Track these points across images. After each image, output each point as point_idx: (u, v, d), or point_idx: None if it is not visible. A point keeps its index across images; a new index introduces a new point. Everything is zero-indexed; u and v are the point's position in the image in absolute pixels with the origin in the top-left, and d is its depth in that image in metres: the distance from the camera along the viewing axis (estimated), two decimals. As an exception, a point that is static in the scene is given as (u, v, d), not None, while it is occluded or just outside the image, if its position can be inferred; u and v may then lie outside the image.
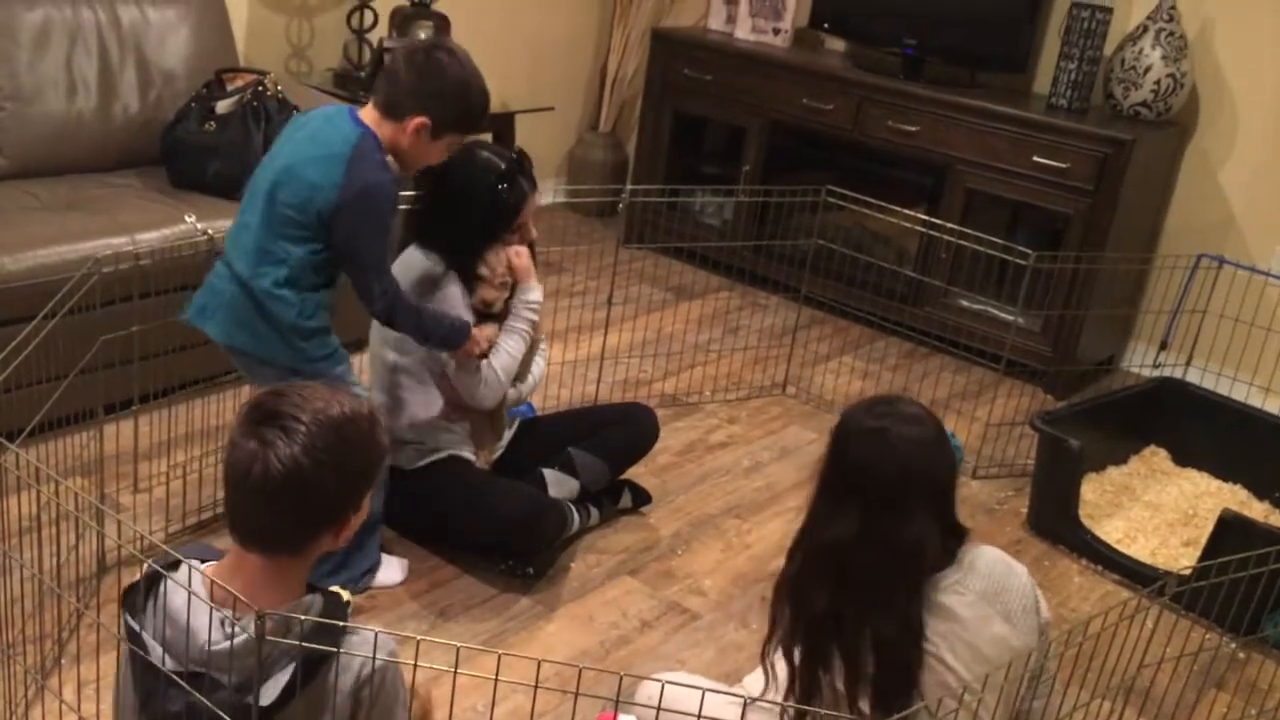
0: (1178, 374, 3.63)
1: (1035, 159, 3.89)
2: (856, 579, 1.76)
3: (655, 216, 4.76)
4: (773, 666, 1.88)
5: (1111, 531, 3.12)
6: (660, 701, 1.44)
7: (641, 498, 3.02)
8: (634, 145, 5.04)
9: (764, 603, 1.95)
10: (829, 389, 3.79)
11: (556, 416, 3.08)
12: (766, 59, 4.49)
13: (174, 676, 1.44)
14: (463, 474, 2.68)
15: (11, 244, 2.83)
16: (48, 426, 2.28)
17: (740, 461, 3.34)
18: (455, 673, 1.39)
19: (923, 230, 3.78)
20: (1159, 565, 2.98)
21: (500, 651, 1.42)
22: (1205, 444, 3.47)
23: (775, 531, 3.00)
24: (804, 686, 1.80)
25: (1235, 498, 3.35)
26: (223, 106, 3.34)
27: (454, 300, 2.61)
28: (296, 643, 1.40)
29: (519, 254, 2.67)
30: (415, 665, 1.40)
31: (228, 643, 1.44)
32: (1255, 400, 3.66)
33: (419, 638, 1.38)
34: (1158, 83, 3.86)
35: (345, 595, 1.52)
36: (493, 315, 2.66)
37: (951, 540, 1.82)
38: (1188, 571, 2.68)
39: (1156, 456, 3.53)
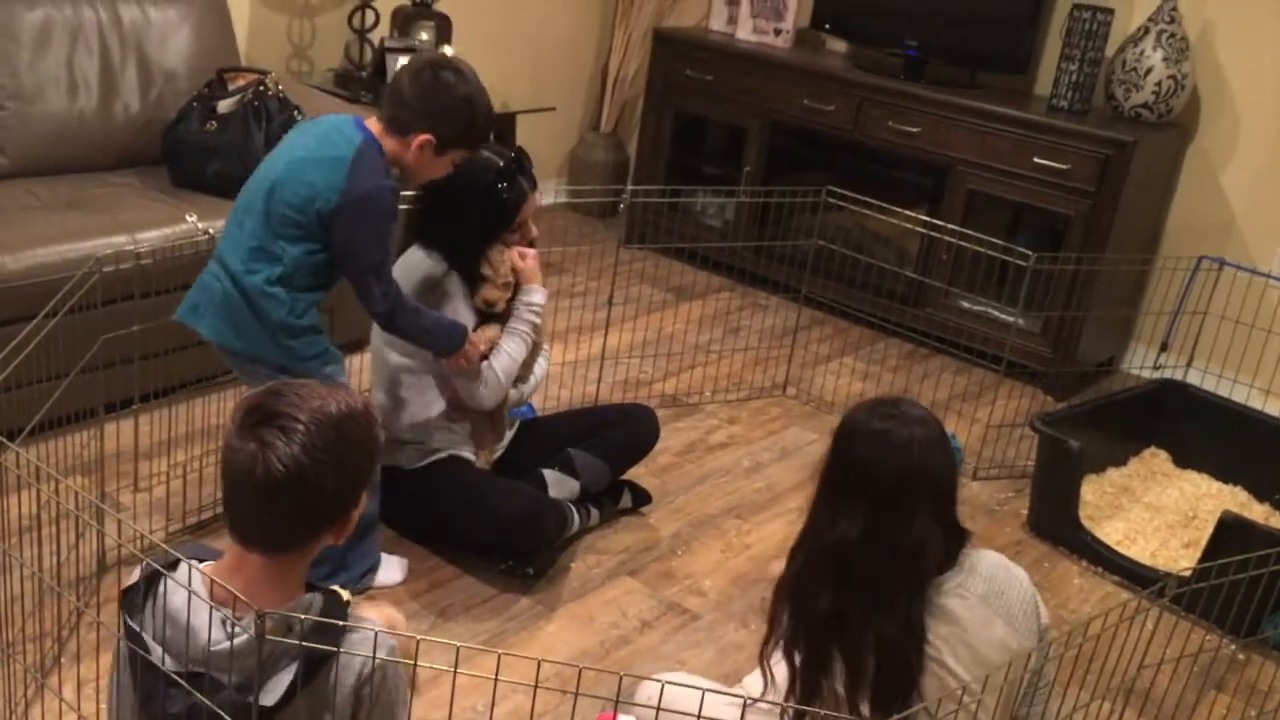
0: (1178, 376, 3.64)
1: (1036, 160, 3.89)
2: (858, 580, 1.76)
3: (656, 217, 4.76)
4: (771, 669, 1.88)
5: (1111, 533, 3.12)
6: (660, 702, 1.44)
7: (641, 498, 3.02)
8: (635, 145, 5.04)
9: (764, 603, 1.95)
10: (829, 390, 3.79)
11: (557, 417, 3.08)
12: (768, 59, 4.49)
13: (175, 677, 1.44)
14: (463, 474, 2.68)
15: (12, 243, 2.83)
16: (48, 425, 2.28)
17: (740, 462, 3.34)
18: (455, 672, 1.39)
19: (923, 231, 3.78)
20: (1159, 567, 2.98)
21: (500, 651, 1.42)
22: (1205, 446, 3.47)
23: (775, 532, 3.00)
24: (804, 689, 1.80)
25: (1235, 499, 3.35)
26: (224, 106, 3.34)
27: (455, 300, 2.61)
28: (297, 642, 1.40)
29: (524, 255, 2.67)
30: (415, 665, 1.40)
31: (228, 642, 1.44)
32: (1255, 402, 3.66)
33: (419, 637, 1.38)
34: (1159, 84, 3.86)
35: (345, 595, 1.52)
36: (495, 315, 2.66)
37: (953, 542, 1.82)
38: (1188, 573, 2.68)
39: (1157, 458, 3.53)
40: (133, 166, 3.43)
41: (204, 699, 1.41)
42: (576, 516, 2.79)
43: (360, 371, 3.21)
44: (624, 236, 4.73)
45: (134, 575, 1.52)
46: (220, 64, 3.53)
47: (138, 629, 1.48)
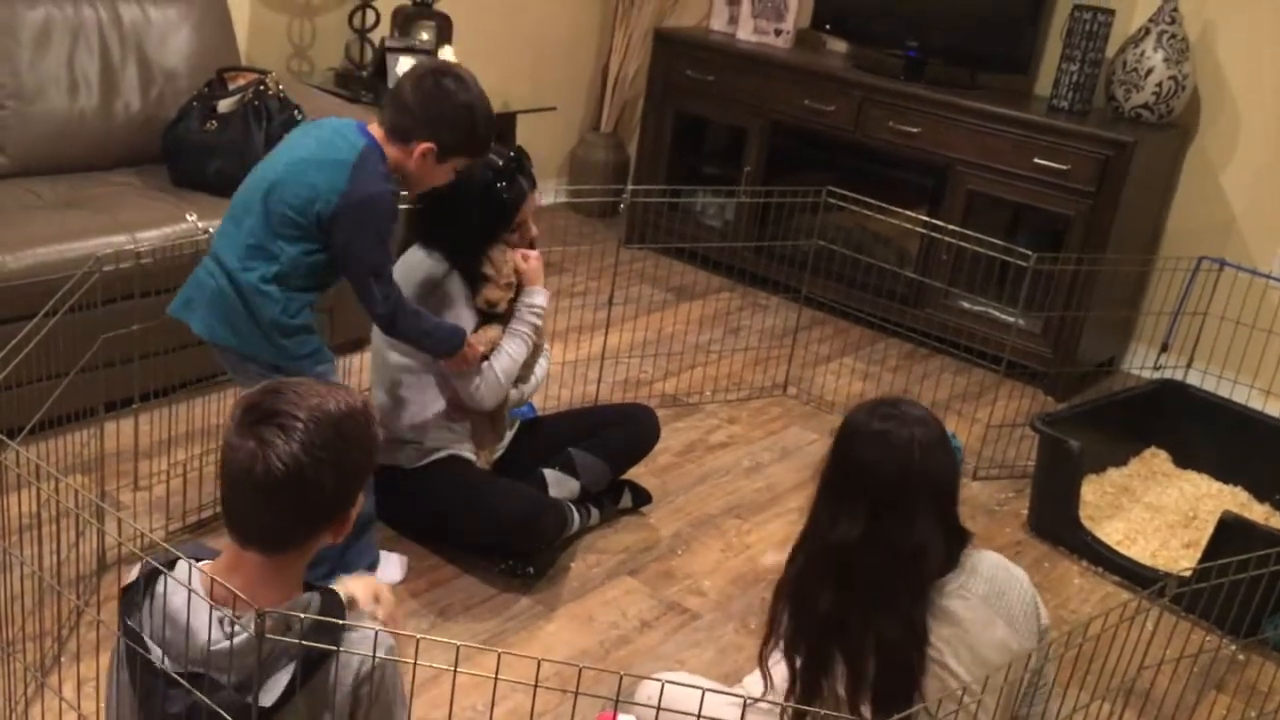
0: (1178, 376, 3.64)
1: (1036, 161, 3.89)
2: (858, 581, 1.76)
3: (656, 217, 4.76)
4: (769, 670, 1.88)
5: (1112, 533, 3.12)
6: (660, 701, 1.44)
7: (642, 498, 3.02)
8: (635, 146, 5.04)
9: (764, 604, 1.95)
10: (829, 390, 3.79)
11: (557, 417, 3.08)
12: (768, 60, 4.49)
13: (177, 677, 1.43)
14: (463, 474, 2.68)
15: (13, 242, 2.83)
16: (49, 424, 2.28)
17: (740, 462, 3.34)
18: (455, 672, 1.39)
19: (923, 231, 3.78)
20: (1159, 567, 2.98)
21: (500, 650, 1.42)
22: (1206, 446, 3.47)
23: (775, 532, 3.00)
24: (804, 690, 1.80)
25: (1235, 500, 3.35)
26: (224, 105, 3.35)
27: (456, 300, 2.61)
28: (297, 641, 1.40)
29: (526, 257, 2.67)
30: (415, 664, 1.40)
31: (227, 642, 1.43)
32: (1255, 403, 3.66)
33: (419, 636, 1.38)
34: (1159, 85, 3.86)
35: (342, 594, 1.52)
36: (497, 316, 2.66)
37: (954, 544, 1.82)
38: (1188, 573, 2.68)
39: (1157, 458, 3.53)
40: (133, 166, 3.43)
41: (204, 698, 1.41)
42: (576, 516, 2.79)
43: (360, 371, 3.21)
44: (624, 236, 4.73)
45: (133, 574, 1.52)
46: (220, 63, 3.53)
47: (136, 628, 1.47)
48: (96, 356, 2.50)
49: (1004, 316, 3.96)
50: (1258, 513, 3.29)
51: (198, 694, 1.41)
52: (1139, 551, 3.07)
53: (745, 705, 1.51)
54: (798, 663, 1.80)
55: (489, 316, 2.66)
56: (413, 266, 2.61)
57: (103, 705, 1.63)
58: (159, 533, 2.61)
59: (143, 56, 3.48)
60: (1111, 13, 3.95)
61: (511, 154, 2.63)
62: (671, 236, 4.65)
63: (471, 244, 2.61)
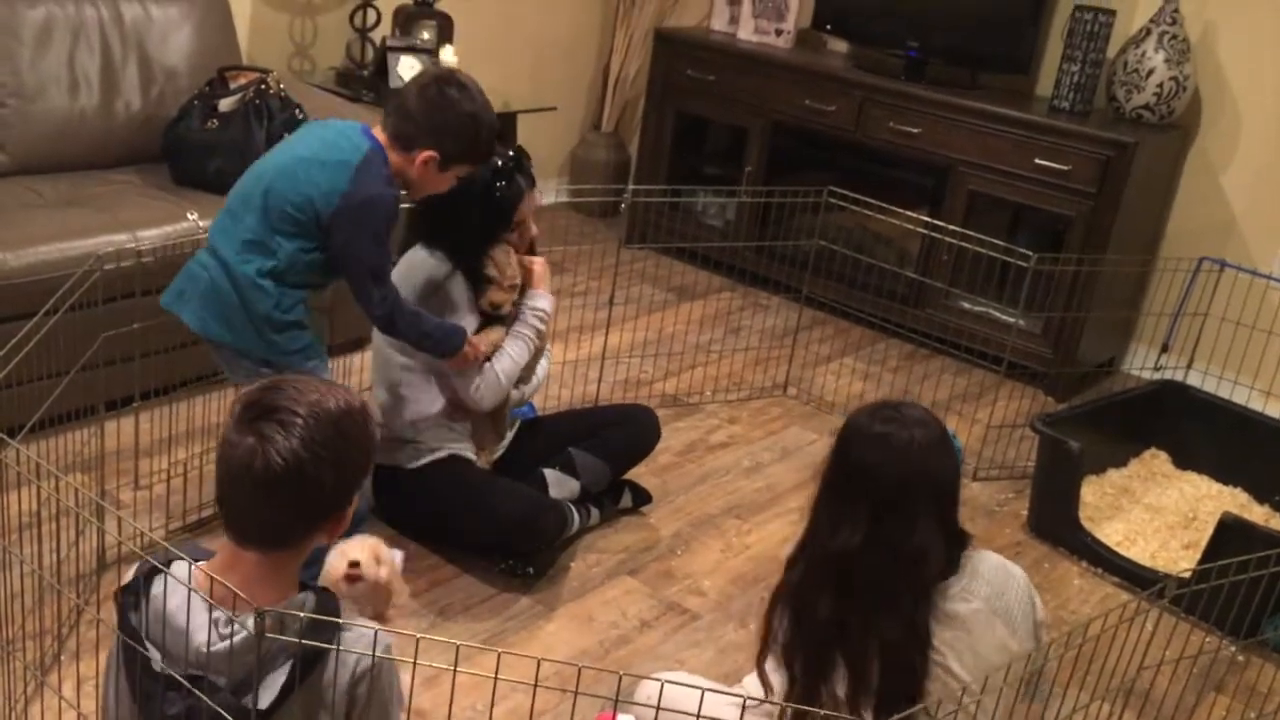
0: (1178, 377, 3.64)
1: (1037, 161, 3.89)
2: (859, 586, 1.76)
3: (657, 217, 4.76)
4: (767, 676, 1.87)
5: (1111, 534, 3.12)
6: (660, 701, 1.44)
7: (642, 498, 3.02)
8: (636, 145, 5.04)
9: (763, 604, 1.95)
10: (830, 390, 3.79)
11: (557, 417, 3.08)
12: (769, 60, 4.49)
13: (178, 678, 1.43)
14: (463, 474, 2.68)
15: (13, 240, 2.83)
16: (49, 423, 2.28)
17: (741, 462, 3.34)
18: (455, 671, 1.39)
19: (924, 232, 3.78)
20: (1159, 568, 2.98)
21: (500, 650, 1.42)
22: (1206, 447, 3.47)
23: (775, 532, 3.00)
24: (803, 695, 1.79)
25: (1235, 501, 3.35)
26: (225, 104, 3.35)
27: (458, 301, 2.61)
28: (296, 640, 1.40)
29: (532, 262, 2.68)
30: (415, 664, 1.40)
31: (227, 643, 1.43)
32: (1256, 404, 3.66)
33: (418, 635, 1.38)
34: (1160, 85, 3.86)
35: (343, 558, 1.52)
36: (500, 317, 2.66)
37: (955, 547, 1.82)
38: (1188, 574, 2.68)
39: (1157, 459, 3.53)
40: (134, 164, 3.43)
41: (206, 698, 1.41)
42: (576, 516, 2.79)
43: (360, 370, 3.21)
44: (625, 236, 4.73)
45: (130, 574, 1.52)
46: (221, 62, 3.53)
47: (134, 628, 1.47)
48: (97, 355, 2.50)
49: (1004, 317, 3.96)
50: (1258, 514, 3.29)
51: (199, 694, 1.41)
52: (1139, 552, 3.07)
53: (744, 705, 1.51)
54: (796, 669, 1.80)
55: (492, 318, 2.66)
56: (415, 266, 2.61)
57: (100, 707, 1.63)
58: (159, 532, 2.61)
59: (144, 55, 3.48)
60: (1112, 13, 3.95)
61: (510, 153, 2.63)
62: (672, 236, 4.65)
63: (472, 244, 2.61)
